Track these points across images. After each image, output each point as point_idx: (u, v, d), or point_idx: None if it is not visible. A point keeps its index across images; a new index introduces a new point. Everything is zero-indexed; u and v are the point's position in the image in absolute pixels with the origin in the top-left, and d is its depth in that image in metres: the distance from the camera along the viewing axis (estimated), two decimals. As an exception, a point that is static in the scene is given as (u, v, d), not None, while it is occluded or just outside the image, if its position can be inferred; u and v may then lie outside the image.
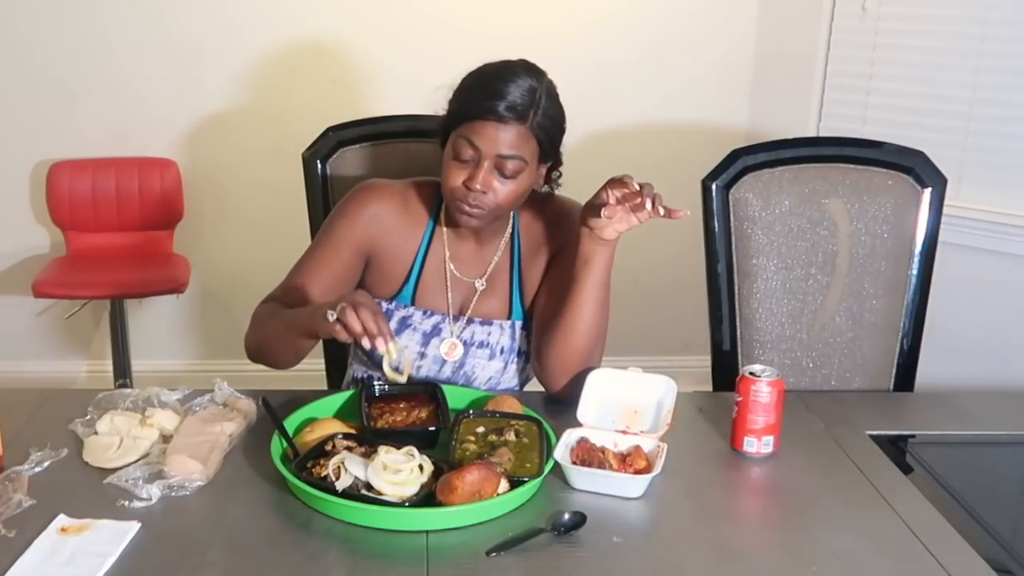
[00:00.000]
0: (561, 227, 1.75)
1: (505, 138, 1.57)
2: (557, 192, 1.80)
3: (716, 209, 2.01)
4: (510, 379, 1.77)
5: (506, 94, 1.56)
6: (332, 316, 1.45)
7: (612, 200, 1.55)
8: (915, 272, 2.01)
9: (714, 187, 2.01)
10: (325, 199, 2.04)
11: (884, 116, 3.08)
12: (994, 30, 2.85)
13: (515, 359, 1.76)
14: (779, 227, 2.01)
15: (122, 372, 3.33)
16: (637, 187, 1.54)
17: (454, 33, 3.32)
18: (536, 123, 1.59)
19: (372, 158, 2.06)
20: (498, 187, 1.61)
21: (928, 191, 2.00)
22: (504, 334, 1.75)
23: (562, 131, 1.67)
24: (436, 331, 1.74)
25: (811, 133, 3.27)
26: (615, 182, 1.56)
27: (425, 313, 1.75)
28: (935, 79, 2.97)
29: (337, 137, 2.05)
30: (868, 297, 2.01)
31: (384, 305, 1.75)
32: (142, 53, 3.35)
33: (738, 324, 2.03)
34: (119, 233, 3.40)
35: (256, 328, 1.70)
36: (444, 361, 1.74)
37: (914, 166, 2.01)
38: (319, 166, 2.04)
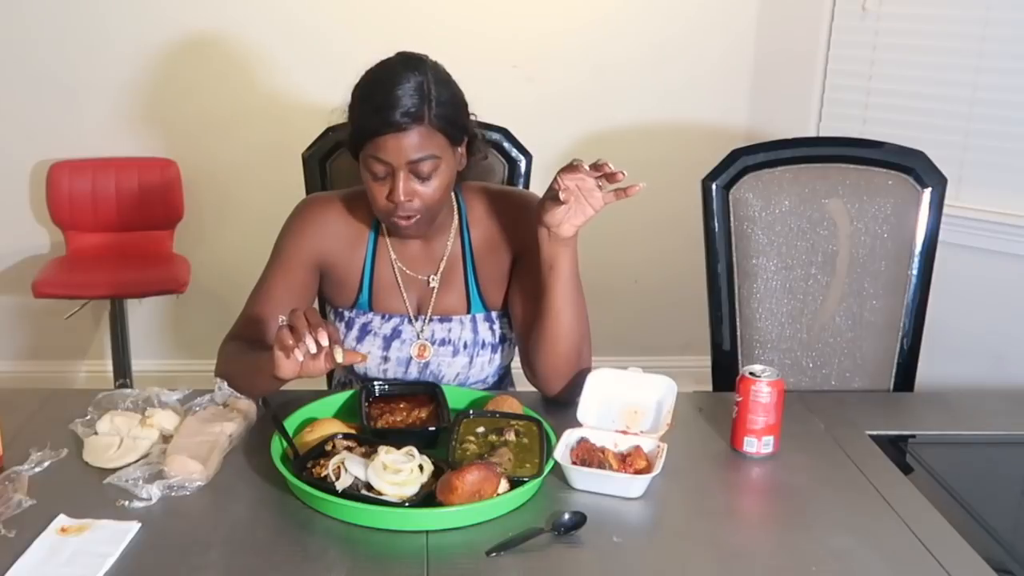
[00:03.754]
0: (520, 221, 1.72)
1: (410, 144, 1.55)
2: (512, 186, 1.76)
3: (716, 209, 2.01)
4: (479, 372, 1.76)
5: (395, 102, 1.53)
6: (283, 319, 1.47)
7: (564, 191, 1.52)
8: (915, 272, 2.01)
9: (714, 187, 2.01)
10: (325, 199, 2.04)
11: (884, 116, 3.08)
12: (994, 30, 2.85)
13: (480, 352, 1.75)
14: (779, 227, 2.01)
15: (122, 372, 3.33)
16: (587, 167, 1.50)
17: (453, 34, 3.32)
18: (434, 116, 1.56)
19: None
20: (421, 190, 1.58)
21: (928, 191, 2.00)
22: (465, 328, 1.75)
23: (462, 108, 1.63)
24: (396, 334, 1.74)
25: (811, 133, 3.27)
26: (565, 169, 1.53)
27: (384, 317, 1.75)
28: (935, 79, 2.97)
29: (337, 137, 2.05)
30: (868, 297, 2.01)
31: (345, 314, 1.75)
32: (142, 53, 3.35)
33: (738, 324, 2.03)
34: (119, 233, 3.40)
35: (223, 367, 1.68)
36: (409, 362, 1.73)
37: (914, 166, 2.01)
38: (319, 166, 2.04)
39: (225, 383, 1.62)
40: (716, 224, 2.01)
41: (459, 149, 1.65)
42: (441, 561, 1.27)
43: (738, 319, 2.03)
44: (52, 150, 3.39)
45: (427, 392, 1.66)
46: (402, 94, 1.54)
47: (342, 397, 1.65)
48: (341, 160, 2.04)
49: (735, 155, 2.02)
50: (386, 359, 1.74)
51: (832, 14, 3.21)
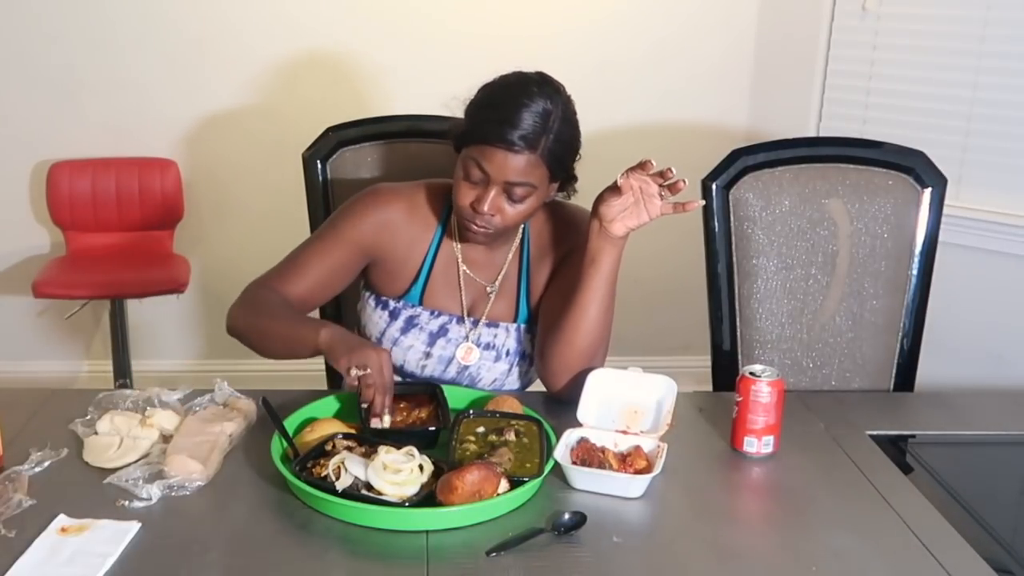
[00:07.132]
0: (569, 232, 1.75)
1: (515, 166, 1.56)
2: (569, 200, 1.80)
3: (716, 209, 2.01)
4: (513, 381, 1.77)
5: (519, 122, 1.54)
6: (355, 374, 1.50)
7: (624, 180, 1.55)
8: (915, 272, 2.01)
9: (714, 187, 2.01)
10: (325, 199, 2.04)
11: (884, 116, 3.08)
12: (994, 30, 2.85)
13: (519, 361, 1.76)
14: (779, 227, 2.01)
15: (122, 372, 3.33)
16: (655, 167, 1.53)
17: (454, 33, 3.32)
18: (547, 150, 1.57)
19: (372, 158, 2.06)
20: (507, 209, 1.60)
21: (928, 191, 2.00)
22: (510, 336, 1.75)
23: (575, 151, 1.65)
24: (443, 331, 1.74)
25: (811, 133, 3.27)
26: (634, 167, 1.55)
27: (432, 313, 1.75)
28: (935, 79, 2.97)
29: (337, 137, 2.05)
30: (868, 297, 2.02)
31: (391, 303, 1.75)
32: (143, 53, 3.35)
33: (738, 324, 2.03)
34: (119, 233, 3.40)
35: (249, 313, 1.68)
36: (450, 361, 1.74)
37: (914, 166, 2.01)
38: (319, 166, 2.04)
39: (226, 383, 1.63)
40: (716, 224, 2.01)
41: (553, 186, 1.66)
42: (441, 561, 1.27)
43: (738, 319, 2.03)
44: (52, 150, 3.39)
45: (427, 392, 1.65)
46: (527, 117, 1.54)
47: (342, 397, 1.65)
48: (341, 160, 2.04)
49: (735, 155, 2.02)
50: (428, 355, 1.74)
51: (832, 14, 3.21)
